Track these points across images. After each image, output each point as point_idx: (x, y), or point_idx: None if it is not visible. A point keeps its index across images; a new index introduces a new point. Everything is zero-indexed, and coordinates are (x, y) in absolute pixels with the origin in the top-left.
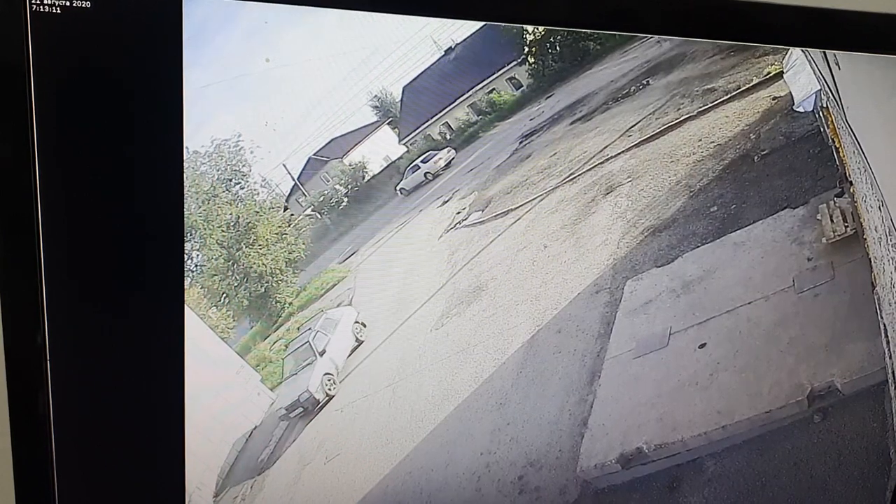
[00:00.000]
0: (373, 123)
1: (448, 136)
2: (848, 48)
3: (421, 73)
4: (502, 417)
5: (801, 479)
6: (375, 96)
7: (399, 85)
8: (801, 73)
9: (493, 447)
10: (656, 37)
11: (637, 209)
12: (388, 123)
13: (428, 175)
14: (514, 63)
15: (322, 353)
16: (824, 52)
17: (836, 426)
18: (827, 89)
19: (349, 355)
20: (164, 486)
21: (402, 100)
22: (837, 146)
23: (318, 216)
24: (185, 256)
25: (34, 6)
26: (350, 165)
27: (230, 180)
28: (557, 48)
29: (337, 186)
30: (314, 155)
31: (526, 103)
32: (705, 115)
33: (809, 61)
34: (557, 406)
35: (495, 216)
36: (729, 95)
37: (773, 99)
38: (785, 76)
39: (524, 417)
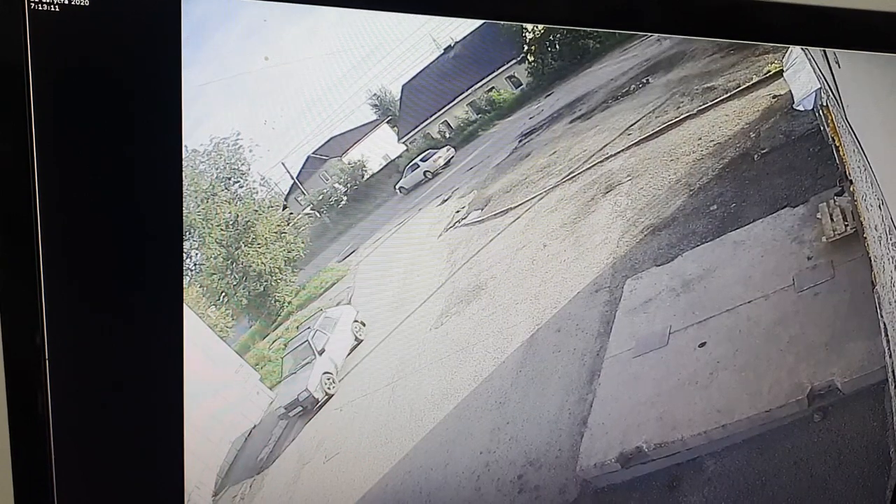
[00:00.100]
0: (372, 122)
1: (447, 135)
2: (848, 46)
3: (420, 72)
4: (502, 416)
5: (802, 479)
6: (375, 94)
7: (398, 83)
8: (800, 71)
9: (492, 446)
10: (656, 35)
11: (637, 208)
12: (388, 122)
13: (427, 174)
14: (514, 61)
15: (321, 352)
16: (824, 51)
17: (836, 425)
18: (827, 88)
19: (348, 354)
20: (163, 485)
21: (401, 98)
22: (837, 145)
23: (318, 215)
24: (184, 255)
25: (33, 4)
26: (349, 164)
27: (229, 179)
28: (557, 46)
29: (336, 185)
30: (313, 153)
31: (525, 102)
32: (705, 114)
33: (809, 60)
34: (557, 405)
35: (495, 215)
36: (729, 94)
37: (773, 97)
38: (785, 74)
39: (524, 416)
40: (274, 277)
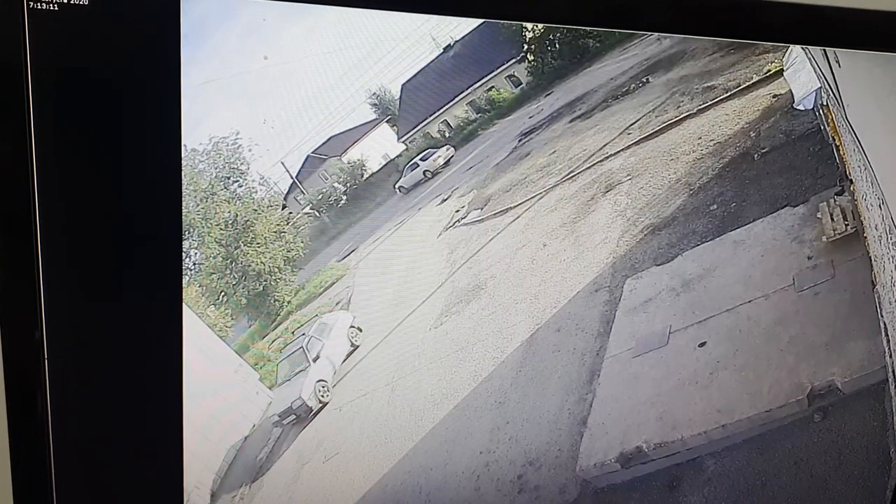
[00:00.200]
0: (372, 121)
1: (447, 134)
2: (848, 46)
3: (420, 71)
4: (501, 416)
5: (802, 478)
6: (374, 94)
7: (398, 82)
8: (801, 70)
9: (492, 446)
10: (656, 34)
11: (637, 207)
12: (387, 121)
13: (427, 173)
14: (514, 60)
15: (316, 359)
16: (824, 50)
17: (836, 425)
18: (827, 87)
19: (344, 360)
20: (162, 484)
21: (400, 97)
22: (838, 144)
23: (317, 214)
24: (184, 254)
25: (31, 3)
26: (349, 163)
27: (228, 178)
28: (557, 45)
29: (335, 184)
30: (313, 153)
31: (525, 101)
32: (705, 113)
33: (810, 59)
34: (557, 405)
35: (494, 214)
36: (729, 93)
37: (774, 97)
38: (785, 74)
39: (523, 416)
40: (273, 277)
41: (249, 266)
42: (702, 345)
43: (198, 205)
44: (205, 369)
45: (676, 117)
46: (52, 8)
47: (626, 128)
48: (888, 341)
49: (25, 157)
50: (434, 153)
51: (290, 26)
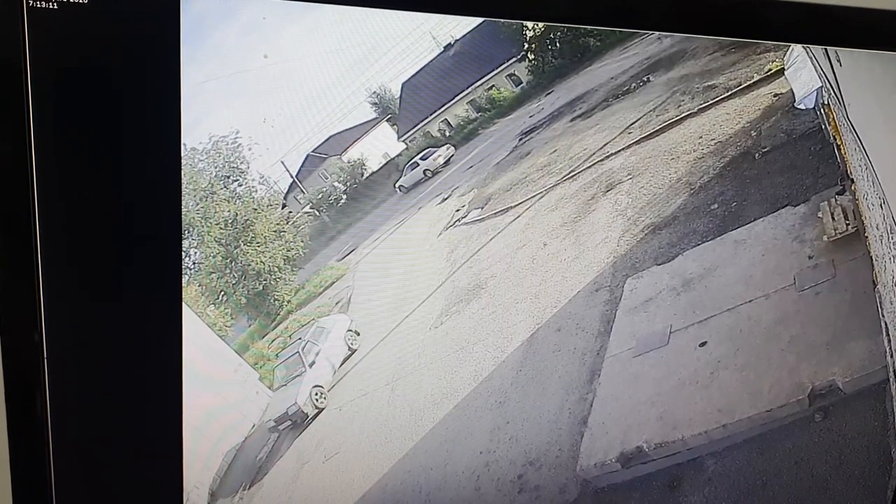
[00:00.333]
0: (372, 120)
1: (447, 133)
2: (849, 45)
3: (420, 70)
4: (502, 416)
5: (802, 478)
6: (374, 93)
7: (398, 81)
8: (802, 69)
9: (492, 446)
10: (657, 33)
11: (637, 207)
12: (387, 120)
13: (427, 172)
14: (514, 59)
15: (311, 365)
16: (825, 49)
17: (837, 425)
18: (828, 86)
19: (341, 365)
20: (162, 484)
21: (400, 96)
22: (839, 143)
23: (317, 213)
24: (183, 254)
25: (31, 2)
26: (349, 162)
27: (228, 177)
28: (557, 44)
29: (335, 184)
30: (312, 152)
31: (526, 100)
32: (706, 113)
33: (811, 58)
34: (557, 405)
35: (495, 214)
36: (730, 92)
37: (775, 96)
38: (786, 73)
39: (524, 416)
40: (273, 276)
41: (249, 265)
42: (702, 344)
43: (197, 204)
44: (204, 369)
45: (677, 116)
46: (51, 7)
47: (627, 127)
48: (889, 341)
49: (25, 157)
50: (434, 152)
51: (291, 25)
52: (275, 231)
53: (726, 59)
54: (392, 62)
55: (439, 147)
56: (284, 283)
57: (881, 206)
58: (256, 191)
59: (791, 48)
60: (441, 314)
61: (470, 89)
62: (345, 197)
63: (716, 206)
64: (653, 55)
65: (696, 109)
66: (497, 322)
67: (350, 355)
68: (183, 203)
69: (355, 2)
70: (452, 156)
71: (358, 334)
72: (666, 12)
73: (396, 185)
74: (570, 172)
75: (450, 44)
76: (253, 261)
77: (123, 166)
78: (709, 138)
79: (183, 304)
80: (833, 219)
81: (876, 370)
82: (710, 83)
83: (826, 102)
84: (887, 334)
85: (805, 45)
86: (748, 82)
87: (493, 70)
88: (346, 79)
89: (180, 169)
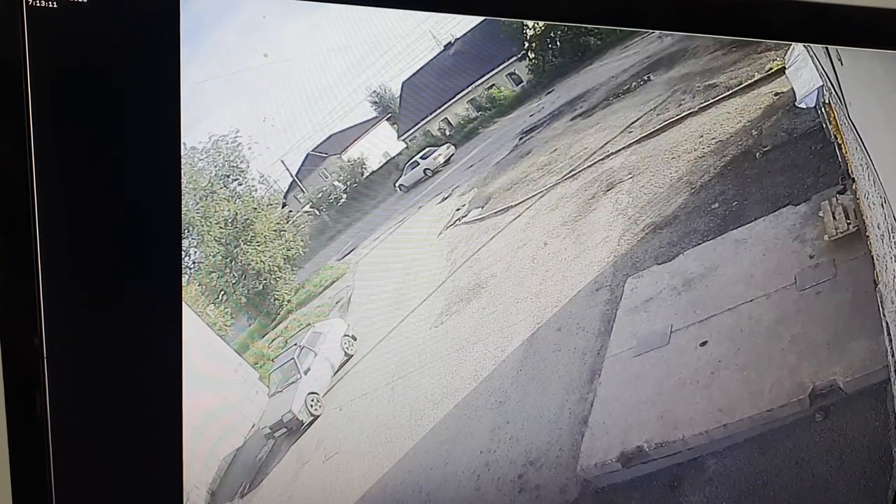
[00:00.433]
0: (372, 119)
1: (447, 133)
2: (850, 44)
3: (420, 69)
4: (502, 416)
5: (803, 478)
6: (374, 92)
7: (398, 80)
8: (803, 68)
9: (492, 445)
10: (657, 32)
11: (638, 206)
12: (388, 119)
13: (427, 171)
14: (514, 58)
15: (307, 372)
16: (826, 48)
17: (838, 425)
18: (829, 85)
19: (337, 371)
20: (161, 484)
21: (401, 95)
22: (840, 142)
23: (317, 213)
24: (183, 253)
25: (31, 1)
26: (349, 162)
27: (228, 176)
28: (558, 43)
29: (335, 183)
30: (313, 151)
31: (526, 99)
32: (707, 112)
33: (812, 57)
34: (557, 404)
35: (495, 213)
36: (730, 91)
37: (775, 95)
38: (787, 72)
39: (524, 416)
40: (273, 276)
41: (249, 265)
42: (703, 344)
43: (197, 203)
44: (204, 368)
45: (678, 115)
46: (51, 6)
47: (628, 126)
48: (890, 340)
49: (24, 156)
50: (434, 151)
51: (291, 24)
52: (275, 230)
53: (727, 58)
54: (392, 61)
55: (439, 146)
56: (284, 283)
57: (882, 205)
58: (256, 190)
59: (792, 47)
60: (441, 313)
61: (470, 88)
62: (345, 196)
63: (716, 205)
64: (653, 54)
65: (696, 108)
66: (497, 321)
67: (346, 361)
68: (183, 202)
69: (355, 0)
70: (453, 155)
71: (355, 339)
72: (666, 11)
73: (396, 185)
74: (570, 171)
75: (450, 43)
76: (253, 260)
77: (123, 165)
78: (709, 137)
79: (183, 303)
80: (834, 218)
81: (877, 370)
82: (710, 82)
83: (827, 101)
84: (888, 334)
85: (806, 44)
86: (749, 81)
87: (493, 69)
88: (346, 78)
89: (180, 168)
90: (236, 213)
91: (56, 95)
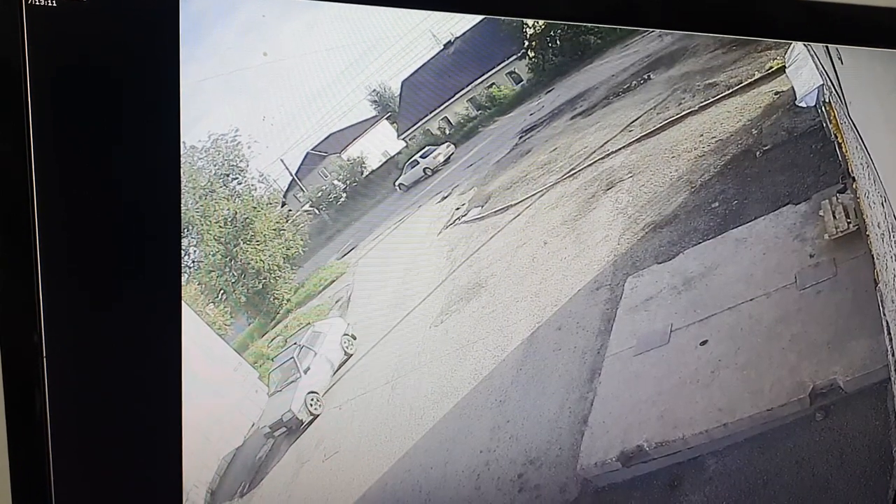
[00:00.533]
0: (371, 118)
1: (447, 131)
2: (851, 43)
3: (420, 68)
4: (502, 415)
5: (803, 478)
6: (374, 91)
7: (398, 79)
8: (803, 67)
9: (492, 445)
10: (657, 31)
11: (638, 205)
12: (387, 118)
13: (427, 170)
14: (514, 57)
15: (307, 371)
16: (827, 47)
17: (838, 424)
18: (829, 84)
19: (336, 370)
20: (161, 483)
21: (400, 94)
22: (840, 141)
23: (317, 212)
24: (182, 252)
25: (30, 0)
26: (348, 161)
27: (227, 175)
28: (557, 42)
29: (335, 182)
30: (312, 150)
31: (526, 98)
32: (707, 110)
33: (812, 56)
34: (557, 403)
35: (495, 212)
36: (731, 90)
37: (776, 94)
38: (787, 71)
39: (524, 415)
40: (273, 275)
41: (249, 264)
42: (703, 343)
43: (197, 202)
44: (204, 368)
45: (678, 114)
46: (50, 4)
47: (628, 125)
48: (890, 340)
49: (24, 155)
50: (434, 150)
51: (290, 22)
52: (274, 229)
53: (727, 57)
54: (392, 60)
55: (439, 145)
56: (284, 282)
57: (882, 204)
58: (256, 189)
59: (792, 46)
60: (441, 313)
61: (470, 87)
62: (344, 195)
63: (717, 204)
64: (653, 53)
65: (696, 107)
66: (497, 320)
67: (346, 360)
68: (182, 201)
69: None
70: (452, 154)
71: (354, 338)
72: (666, 10)
73: (396, 184)
74: (570, 170)
75: (450, 41)
76: (252, 259)
77: (123, 164)
78: (710, 136)
79: (182, 302)
80: (834, 217)
81: (877, 369)
82: (710, 81)
83: (827, 100)
84: (888, 333)
85: (806, 43)
86: (749, 80)
87: (493, 68)
88: (345, 76)
89: (179, 167)
90: (236, 212)
91: (55, 94)
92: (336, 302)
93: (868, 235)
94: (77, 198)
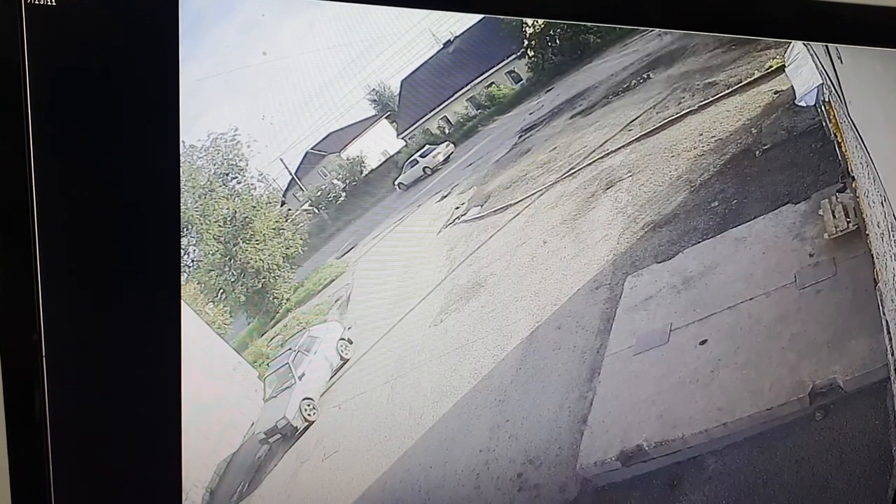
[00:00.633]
0: (371, 117)
1: (447, 131)
2: (850, 42)
3: (419, 67)
4: (501, 414)
5: (803, 477)
6: (373, 90)
7: (397, 78)
8: (802, 66)
9: (492, 444)
10: (657, 30)
11: (637, 204)
12: (387, 117)
13: (426, 170)
14: (514, 56)
15: (301, 377)
16: (826, 46)
17: (837, 423)
18: (829, 83)
19: (332, 375)
20: (160, 483)
21: (400, 93)
22: (839, 141)
23: (316, 211)
24: (182, 251)
25: None
26: (348, 160)
27: (227, 175)
28: (557, 41)
29: (335, 181)
30: (312, 149)
31: (525, 97)
32: (706, 110)
33: (811, 55)
34: (557, 403)
35: (494, 211)
36: (730, 89)
37: (775, 93)
38: (787, 70)
39: (523, 414)
40: (272, 274)
41: (248, 263)
42: (703, 342)
43: (196, 201)
44: (203, 367)
45: (677, 114)
46: (49, 3)
47: (627, 124)
48: (890, 339)
49: (23, 154)
50: (434, 150)
51: (289, 22)
52: (274, 228)
53: (727, 56)
54: (391, 59)
55: (439, 144)
56: (283, 281)
57: (882, 203)
58: (255, 188)
59: (792, 45)
60: (440, 312)
61: (469, 86)
62: (344, 194)
63: (716, 203)
64: (653, 52)
65: (696, 106)
66: (497, 320)
67: (342, 365)
68: (182, 200)
69: None
70: (452, 153)
71: (350, 343)
72: (666, 9)
73: (396, 183)
74: (570, 170)
75: (449, 41)
76: (252, 258)
77: (122, 164)
78: (709, 135)
79: (182, 302)
80: (834, 216)
81: (877, 368)
82: (710, 80)
83: (827, 100)
84: (888, 332)
85: (806, 42)
86: (749, 79)
87: (492, 67)
88: (345, 76)
89: (179, 166)
90: (235, 212)
91: (55, 93)
92: (335, 301)
93: (868, 235)
94: (76, 197)
